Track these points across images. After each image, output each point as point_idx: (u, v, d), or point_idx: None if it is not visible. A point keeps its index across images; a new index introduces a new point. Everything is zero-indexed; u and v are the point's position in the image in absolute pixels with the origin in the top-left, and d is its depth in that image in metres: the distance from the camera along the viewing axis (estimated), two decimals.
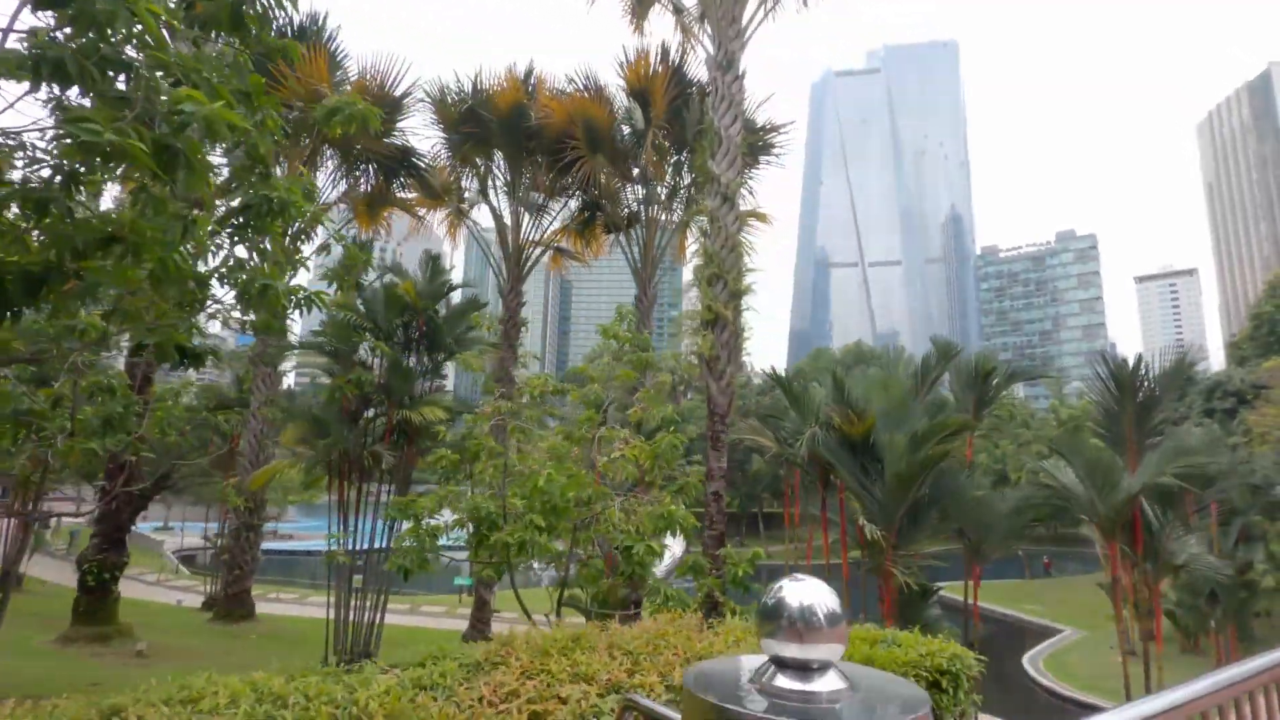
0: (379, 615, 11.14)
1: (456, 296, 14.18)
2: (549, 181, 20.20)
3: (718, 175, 13.37)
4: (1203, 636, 22.85)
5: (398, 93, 17.28)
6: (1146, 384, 9.34)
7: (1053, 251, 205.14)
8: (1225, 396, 38.01)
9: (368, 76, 16.66)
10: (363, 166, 18.86)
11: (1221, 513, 22.70)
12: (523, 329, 20.95)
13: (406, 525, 7.39)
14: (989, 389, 10.21)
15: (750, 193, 20.54)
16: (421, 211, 21.74)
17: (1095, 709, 2.05)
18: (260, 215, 5.12)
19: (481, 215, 23.63)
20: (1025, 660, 25.44)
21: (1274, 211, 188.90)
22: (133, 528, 43.76)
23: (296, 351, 12.31)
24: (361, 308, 11.05)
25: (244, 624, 15.23)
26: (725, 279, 12.86)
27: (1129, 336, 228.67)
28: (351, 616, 11.20)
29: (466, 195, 22.20)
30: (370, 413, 11.23)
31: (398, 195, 20.49)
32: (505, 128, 18.29)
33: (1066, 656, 25.30)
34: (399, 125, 18.72)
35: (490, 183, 21.47)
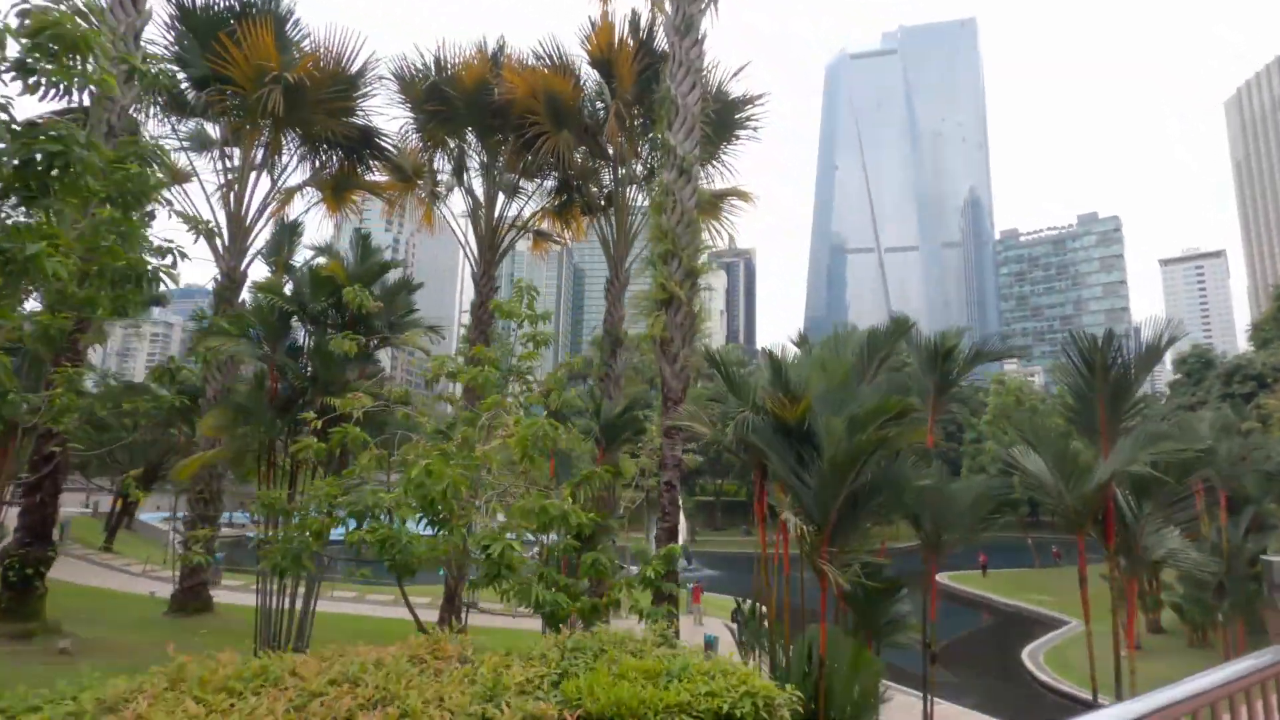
0: (309, 604, 10.69)
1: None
2: (520, 161, 19.50)
3: (674, 146, 12.61)
4: (1210, 630, 21.84)
5: (353, 69, 16.64)
6: (1119, 363, 8.50)
7: (1074, 235, 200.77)
8: (1245, 380, 36.49)
9: (321, 51, 16.02)
10: (326, 149, 18.25)
11: (1233, 501, 21.61)
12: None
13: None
14: (951, 370, 9.42)
15: (729, 169, 19.81)
16: (392, 195, 21.16)
17: (1091, 705, 2.03)
18: (47, 175, 4.50)
19: (460, 199, 22.89)
20: (1025, 654, 24.58)
21: None
22: (138, 517, 44.21)
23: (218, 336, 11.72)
24: (289, 290, 10.53)
25: (199, 617, 14.88)
26: (680, 256, 12.14)
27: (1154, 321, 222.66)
28: (287, 605, 10.77)
29: (441, 178, 21.60)
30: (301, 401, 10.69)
31: (366, 178, 19.91)
32: (470, 105, 17.61)
33: (1068, 650, 24.37)
34: (363, 105, 18.10)
35: (464, 164, 20.85)
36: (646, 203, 19.94)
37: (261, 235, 17.27)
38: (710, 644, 21.30)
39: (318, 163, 19.15)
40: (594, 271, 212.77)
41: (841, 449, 7.20)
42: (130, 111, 13.28)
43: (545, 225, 22.99)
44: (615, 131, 16.07)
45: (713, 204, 20.54)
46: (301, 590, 10.95)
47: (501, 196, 21.04)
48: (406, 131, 19.43)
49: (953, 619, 37.47)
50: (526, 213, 22.19)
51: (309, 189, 19.98)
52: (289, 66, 14.90)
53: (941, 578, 46.21)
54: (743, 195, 20.29)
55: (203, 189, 16.46)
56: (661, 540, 11.32)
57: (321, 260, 11.52)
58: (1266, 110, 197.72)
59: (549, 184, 21.25)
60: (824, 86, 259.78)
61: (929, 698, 9.33)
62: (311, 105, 16.20)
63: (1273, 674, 2.37)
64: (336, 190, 19.35)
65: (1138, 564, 8.54)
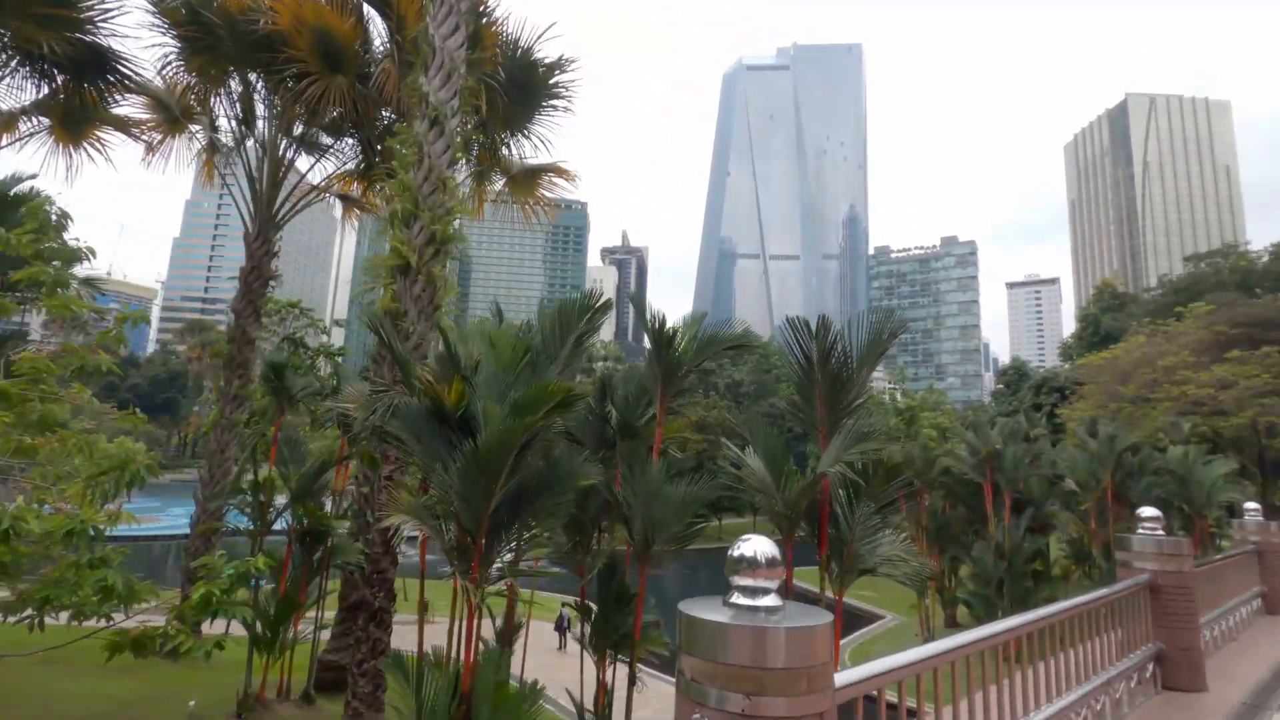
0: None
1: None
2: (314, 114, 17.18)
3: (427, 94, 11.02)
4: None
5: None
6: (838, 353, 7.83)
7: (937, 255, 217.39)
8: (1051, 392, 40.05)
9: None
10: (49, 69, 15.09)
11: (1018, 503, 22.89)
12: (273, 284, 17.83)
13: None
14: (678, 359, 8.47)
15: (544, 144, 18.35)
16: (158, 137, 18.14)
17: None
18: None
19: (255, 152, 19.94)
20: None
21: (1124, 229, 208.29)
22: None
23: None
24: None
25: None
26: (422, 218, 10.58)
27: (1000, 337, 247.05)
28: None
29: (222, 121, 18.81)
30: None
31: (112, 113, 16.82)
32: (233, 34, 15.14)
33: (874, 645, 25.09)
34: (105, 22, 15.09)
35: (252, 109, 18.22)
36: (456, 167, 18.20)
37: None
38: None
39: (50, 87, 15.91)
40: (482, 259, 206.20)
41: (492, 439, 5.96)
42: None
43: (345, 191, 20.73)
44: (394, 81, 14.21)
45: (529, 179, 19.13)
46: None
47: (294, 152, 18.63)
48: (172, 62, 16.59)
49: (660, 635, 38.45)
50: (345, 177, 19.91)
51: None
52: None
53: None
54: (561, 172, 18.97)
55: None
56: (375, 544, 9.74)
57: None
58: (1096, 157, 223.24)
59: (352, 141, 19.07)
60: (721, 94, 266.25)
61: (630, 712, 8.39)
62: (10, 7, 13.17)
63: None
64: (68, 121, 16.16)
65: (849, 573, 7.91)
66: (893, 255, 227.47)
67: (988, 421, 24.23)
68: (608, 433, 10.17)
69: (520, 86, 16.06)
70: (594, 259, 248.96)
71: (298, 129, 18.39)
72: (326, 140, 19.35)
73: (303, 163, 24.53)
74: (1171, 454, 22.28)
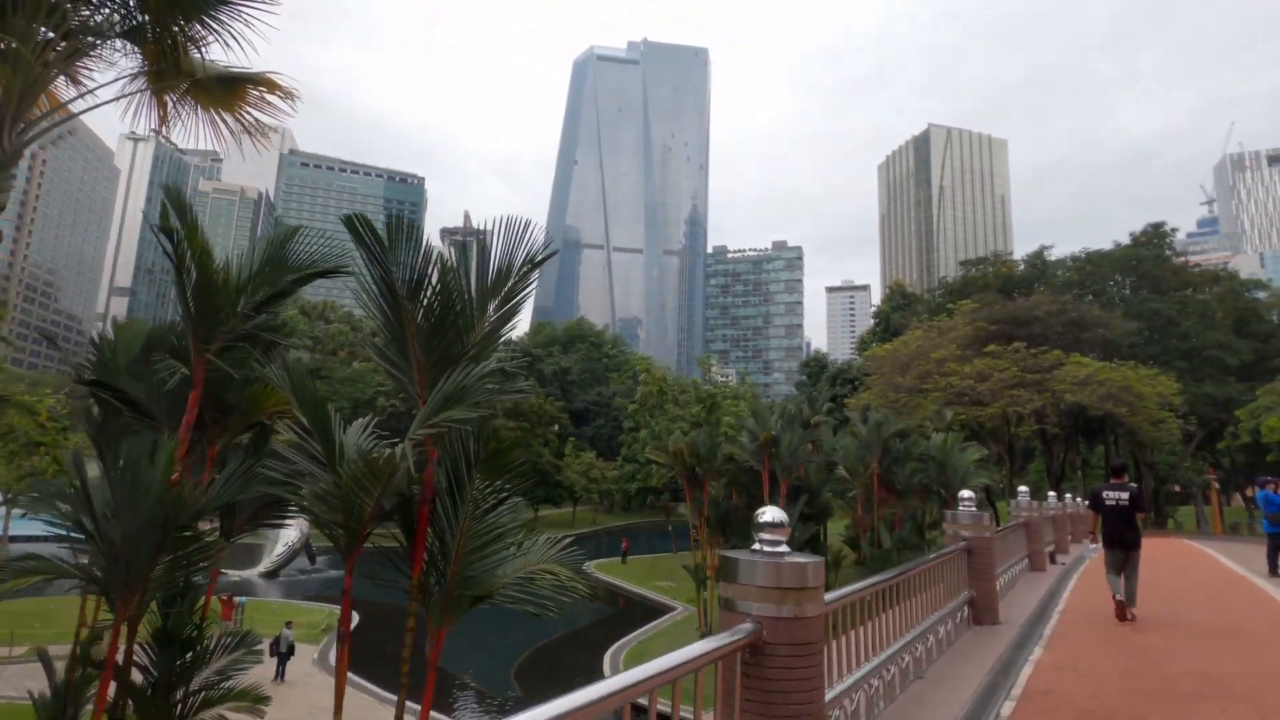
0: None
1: None
2: None
3: None
4: None
5: None
6: (438, 288, 5.33)
7: (769, 258, 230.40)
8: (844, 383, 42.04)
9: None
10: None
11: (794, 489, 22.40)
12: None
13: None
14: (214, 287, 5.55)
15: (243, 44, 14.35)
16: None
17: None
18: None
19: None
20: (609, 653, 23.31)
21: (923, 244, 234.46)
22: None
23: None
24: None
25: None
26: None
27: (820, 337, 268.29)
28: None
29: None
30: None
31: None
32: None
33: (652, 644, 23.68)
34: None
35: None
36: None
37: None
38: None
39: None
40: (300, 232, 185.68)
41: None
42: None
43: None
44: None
45: (227, 91, 14.93)
46: None
47: None
48: None
49: (582, 612, 36.65)
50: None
51: None
52: None
53: (587, 566, 46.11)
54: (272, 85, 14.78)
55: None
56: None
57: None
58: (903, 178, 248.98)
59: None
60: (571, 80, 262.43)
61: None
62: None
63: None
64: None
65: (454, 603, 5.43)
66: (729, 255, 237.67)
67: (769, 408, 23.67)
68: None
69: None
70: (435, 239, 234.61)
71: None
72: None
73: None
74: (934, 441, 22.96)
